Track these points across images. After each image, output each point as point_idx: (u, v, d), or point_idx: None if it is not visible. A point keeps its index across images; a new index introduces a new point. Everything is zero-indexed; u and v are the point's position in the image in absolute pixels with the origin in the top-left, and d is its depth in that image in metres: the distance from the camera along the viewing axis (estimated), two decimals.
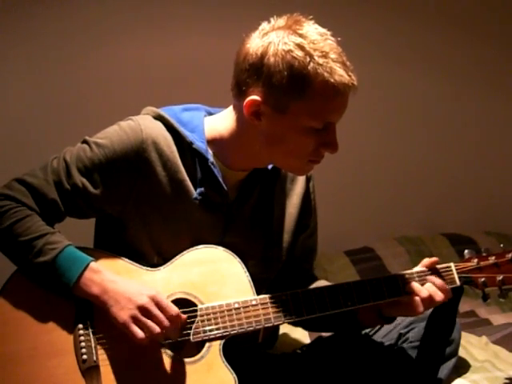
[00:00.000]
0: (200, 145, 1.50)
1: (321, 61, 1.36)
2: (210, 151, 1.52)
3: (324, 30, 1.42)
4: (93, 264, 1.43)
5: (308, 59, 1.36)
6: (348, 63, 1.40)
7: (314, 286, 1.67)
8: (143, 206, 1.50)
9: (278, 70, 1.38)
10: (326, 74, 1.36)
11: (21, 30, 2.65)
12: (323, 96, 1.38)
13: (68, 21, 2.70)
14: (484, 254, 1.60)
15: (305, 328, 1.84)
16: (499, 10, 3.31)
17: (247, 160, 1.53)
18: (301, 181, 1.66)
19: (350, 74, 1.39)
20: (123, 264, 1.49)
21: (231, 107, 1.52)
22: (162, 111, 1.54)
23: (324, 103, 1.39)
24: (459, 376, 1.74)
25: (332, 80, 1.36)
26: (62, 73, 2.71)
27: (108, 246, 1.54)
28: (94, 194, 1.47)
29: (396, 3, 3.15)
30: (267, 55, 1.39)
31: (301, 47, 1.37)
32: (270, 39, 1.40)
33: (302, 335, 2.01)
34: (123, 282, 1.42)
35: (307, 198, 1.68)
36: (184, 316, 1.43)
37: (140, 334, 1.37)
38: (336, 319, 1.59)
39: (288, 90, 1.38)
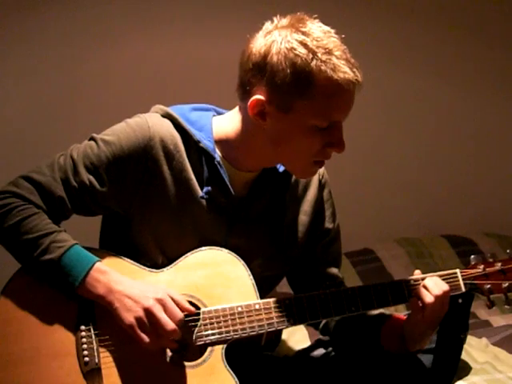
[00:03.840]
0: (207, 143, 1.50)
1: (324, 58, 1.36)
2: (217, 151, 1.51)
3: (328, 28, 1.42)
4: (99, 264, 1.42)
5: (311, 56, 1.36)
6: (352, 60, 1.39)
7: None
8: (149, 204, 1.49)
9: (281, 69, 1.37)
10: (329, 71, 1.36)
11: (21, 30, 2.65)
12: (327, 93, 1.37)
13: (69, 21, 2.70)
14: (490, 260, 1.59)
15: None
16: (501, 11, 3.30)
17: (254, 160, 1.52)
18: (313, 188, 1.65)
19: (355, 70, 1.38)
20: (127, 265, 1.48)
21: (237, 108, 1.52)
22: (171, 110, 1.53)
23: (328, 101, 1.38)
24: (459, 378, 1.72)
25: (336, 77, 1.36)
26: (64, 72, 2.71)
27: (113, 245, 1.54)
28: (100, 192, 1.47)
29: (398, 5, 3.14)
30: (270, 54, 1.38)
31: (304, 44, 1.37)
32: (273, 38, 1.39)
33: (302, 338, 2.01)
34: (129, 283, 1.42)
35: (321, 206, 1.67)
36: (192, 309, 1.44)
37: (146, 338, 1.37)
38: (360, 342, 1.59)
39: (291, 88, 1.38)
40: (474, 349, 1.94)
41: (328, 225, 1.69)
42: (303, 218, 1.64)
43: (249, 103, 1.42)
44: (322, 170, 1.66)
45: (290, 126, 1.42)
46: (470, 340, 2.02)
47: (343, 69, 1.36)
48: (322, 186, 1.67)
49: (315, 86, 1.37)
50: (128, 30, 2.77)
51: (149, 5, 2.80)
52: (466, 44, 3.26)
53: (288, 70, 1.37)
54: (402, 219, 3.22)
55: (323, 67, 1.36)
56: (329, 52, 1.37)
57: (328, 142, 1.43)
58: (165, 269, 1.50)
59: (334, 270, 1.72)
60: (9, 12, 2.60)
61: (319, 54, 1.36)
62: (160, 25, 2.82)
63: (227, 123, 1.53)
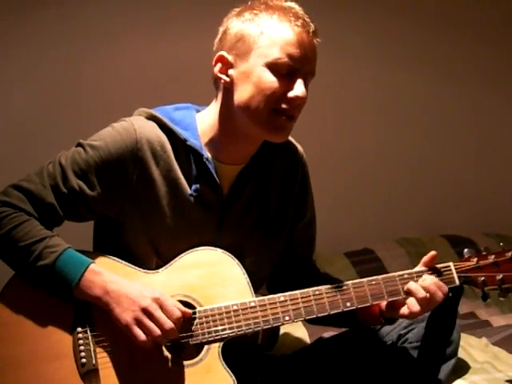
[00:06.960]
0: (194, 142, 1.52)
1: (268, 10, 1.46)
2: (204, 148, 1.53)
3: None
4: (93, 266, 1.43)
5: (255, 10, 1.47)
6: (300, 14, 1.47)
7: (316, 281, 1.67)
8: (140, 206, 1.50)
9: (230, 27, 1.49)
10: (273, 15, 1.44)
11: (21, 29, 2.66)
12: (275, 30, 1.43)
13: (67, 22, 2.71)
14: (484, 253, 1.59)
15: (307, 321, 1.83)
16: (499, 11, 3.30)
17: (236, 146, 1.53)
18: (295, 169, 1.66)
19: (301, 20, 1.44)
20: (121, 267, 1.49)
21: (213, 101, 1.56)
22: (155, 111, 1.55)
23: (279, 36, 1.43)
24: (459, 377, 1.73)
25: (280, 17, 1.44)
26: (64, 72, 2.73)
27: (107, 249, 1.54)
28: (91, 196, 1.48)
29: (395, 5, 3.15)
30: (225, 27, 1.51)
31: (249, 11, 1.48)
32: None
33: (301, 337, 2.01)
34: (125, 283, 1.42)
35: (303, 187, 1.68)
36: (189, 311, 1.44)
37: (142, 336, 1.37)
38: (337, 319, 1.59)
39: (244, 35, 1.45)
40: (474, 348, 1.93)
41: (307, 207, 1.70)
42: (288, 202, 1.65)
43: (213, 63, 1.49)
44: (301, 151, 1.68)
45: (251, 67, 1.44)
46: (470, 340, 2.02)
47: (283, 13, 1.45)
48: (303, 166, 1.68)
49: (264, 24, 1.44)
50: (128, 30, 2.78)
51: (149, 5, 2.81)
52: (465, 44, 3.27)
53: (238, 25, 1.47)
54: (403, 219, 3.22)
55: (268, 11, 1.45)
56: (271, 8, 1.46)
57: (289, 89, 1.44)
58: (160, 270, 1.50)
59: (309, 254, 1.75)
60: (9, 12, 2.62)
61: (263, 10, 1.46)
62: (160, 24, 2.83)
63: (208, 117, 1.55)
